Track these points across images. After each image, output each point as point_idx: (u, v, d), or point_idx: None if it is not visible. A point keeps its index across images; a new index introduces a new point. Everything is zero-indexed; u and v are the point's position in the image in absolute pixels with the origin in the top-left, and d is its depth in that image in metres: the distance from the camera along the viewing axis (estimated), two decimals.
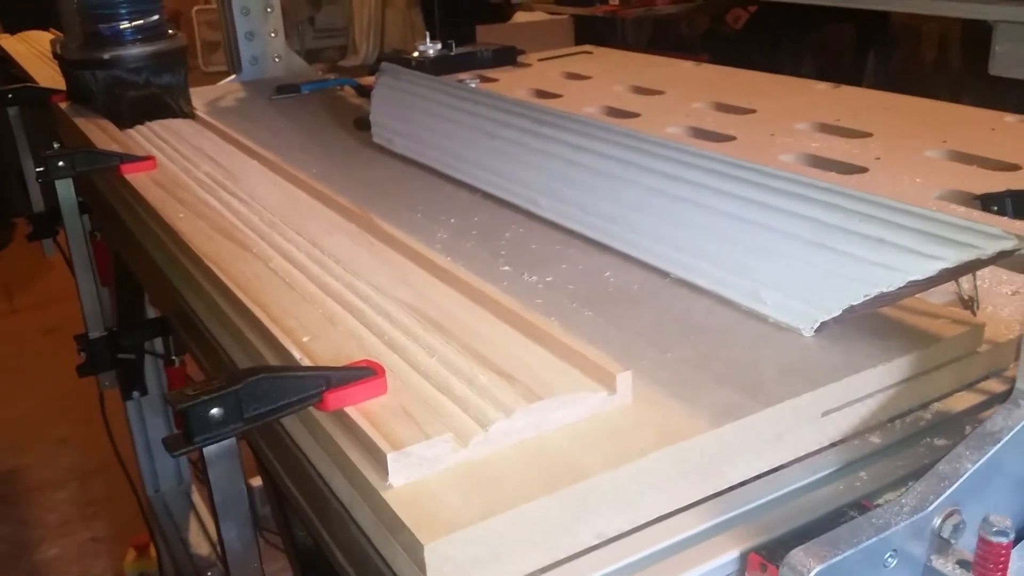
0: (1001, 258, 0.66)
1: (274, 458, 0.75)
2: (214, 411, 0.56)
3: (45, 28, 2.82)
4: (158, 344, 1.69)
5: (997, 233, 0.66)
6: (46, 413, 3.16)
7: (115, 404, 1.92)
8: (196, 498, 2.10)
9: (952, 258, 0.65)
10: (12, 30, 2.85)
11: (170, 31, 1.52)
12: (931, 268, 0.65)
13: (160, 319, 1.54)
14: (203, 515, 2.04)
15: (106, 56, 1.45)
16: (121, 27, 1.45)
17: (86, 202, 1.50)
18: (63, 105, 1.58)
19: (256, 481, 1.35)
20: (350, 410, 0.60)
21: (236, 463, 0.63)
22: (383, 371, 0.63)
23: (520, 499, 0.54)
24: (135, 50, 1.46)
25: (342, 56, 7.07)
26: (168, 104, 1.49)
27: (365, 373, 0.62)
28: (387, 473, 0.55)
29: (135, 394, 1.89)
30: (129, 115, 1.44)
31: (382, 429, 0.58)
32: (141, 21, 1.47)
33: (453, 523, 0.52)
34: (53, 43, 1.64)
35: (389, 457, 0.55)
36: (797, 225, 0.74)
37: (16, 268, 4.16)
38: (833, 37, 4.59)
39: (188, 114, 1.51)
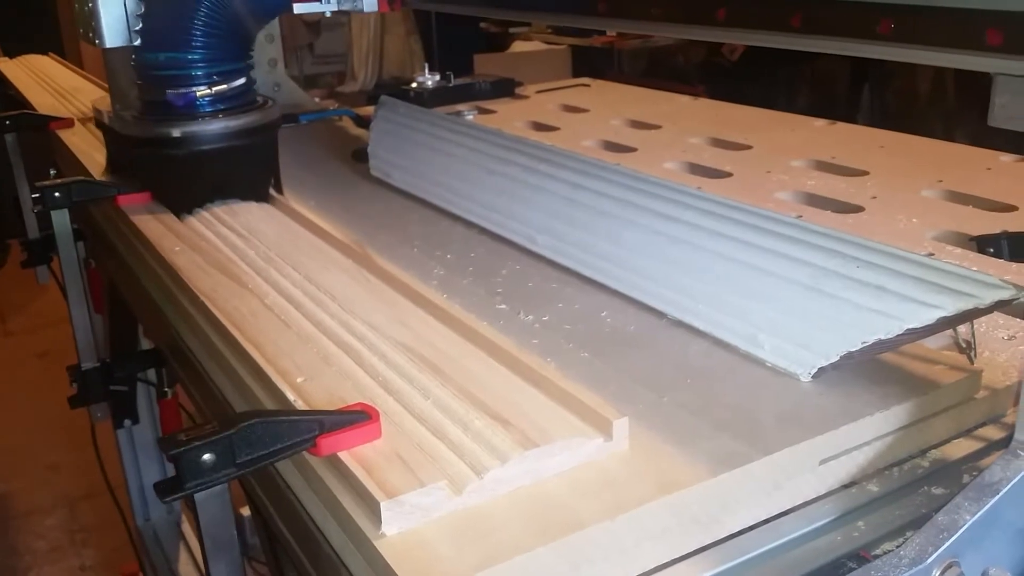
0: (999, 307, 0.66)
1: (266, 499, 0.74)
2: (206, 457, 0.55)
3: (44, 52, 2.83)
4: (151, 373, 1.68)
5: (996, 283, 0.66)
6: (36, 438, 3.14)
7: (106, 431, 1.91)
8: (186, 528, 2.08)
9: (950, 307, 0.65)
10: (11, 54, 2.86)
11: (259, 97, 1.21)
12: (929, 316, 0.65)
13: (153, 351, 1.53)
14: (193, 546, 2.02)
15: (176, 134, 1.12)
16: (198, 94, 1.12)
17: (81, 229, 1.50)
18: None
19: (246, 511, 1.33)
20: (344, 455, 0.60)
21: (227, 507, 0.62)
22: (377, 415, 0.62)
23: (515, 550, 0.53)
24: (216, 125, 1.12)
25: (341, 82, 7.10)
26: (249, 191, 1.17)
27: (359, 417, 0.61)
28: (380, 521, 0.55)
29: (126, 423, 1.87)
30: (196, 202, 1.14)
31: (376, 476, 0.57)
32: (224, 86, 1.14)
33: (447, 575, 0.51)
34: (98, 111, 1.29)
35: (383, 506, 0.54)
36: (796, 270, 0.74)
37: (10, 291, 4.15)
38: (829, 69, 4.63)
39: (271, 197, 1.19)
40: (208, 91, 1.12)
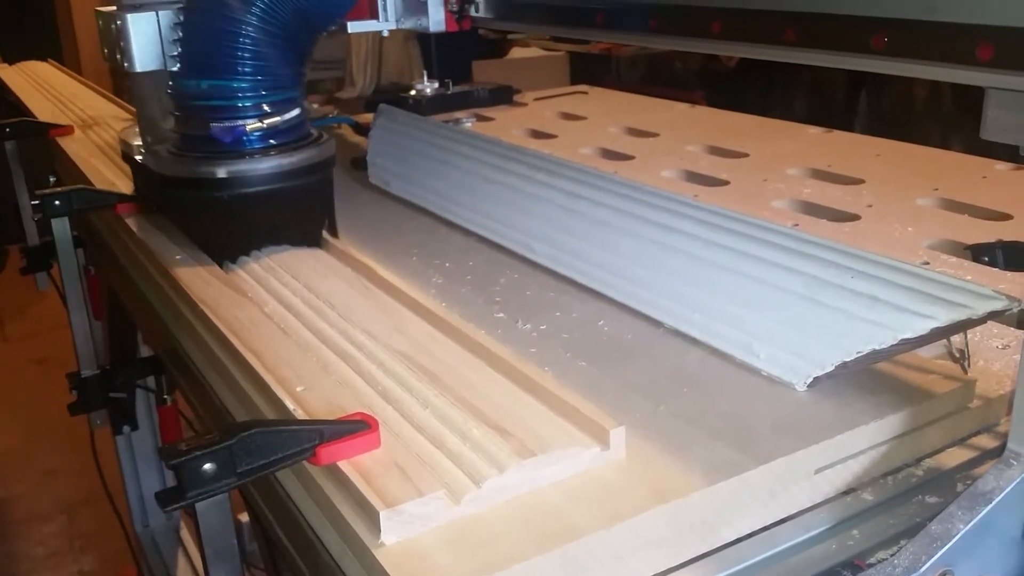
0: (992, 318, 0.67)
1: (266, 507, 0.74)
2: (207, 466, 0.56)
3: (44, 59, 2.84)
4: (150, 380, 1.69)
5: (989, 293, 0.66)
6: (35, 444, 3.14)
7: (104, 437, 1.91)
8: (185, 535, 2.09)
9: (944, 317, 0.65)
10: (11, 61, 2.87)
11: (312, 131, 1.06)
12: (923, 327, 0.65)
13: (153, 358, 1.53)
14: (192, 553, 2.02)
15: (222, 174, 0.97)
16: (248, 128, 0.97)
17: (81, 236, 1.50)
18: (130, 221, 1.16)
19: (245, 518, 1.34)
20: (343, 465, 0.60)
21: (228, 516, 0.62)
22: (376, 424, 0.63)
23: (513, 558, 0.53)
24: (268, 164, 0.97)
25: (339, 88, 7.10)
26: (301, 236, 1.02)
27: (359, 427, 0.62)
28: (380, 531, 0.55)
29: (126, 429, 1.88)
30: (242, 249, 1.00)
31: (375, 485, 0.58)
32: (277, 119, 0.98)
33: None
34: (126, 143, 1.15)
35: (382, 515, 0.55)
36: (791, 280, 0.75)
37: (8, 297, 4.15)
38: (826, 76, 4.64)
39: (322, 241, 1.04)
40: (259, 124, 0.97)
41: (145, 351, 1.68)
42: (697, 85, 4.69)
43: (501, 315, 0.88)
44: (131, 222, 1.14)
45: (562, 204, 0.99)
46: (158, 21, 1.05)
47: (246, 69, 0.95)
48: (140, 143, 1.13)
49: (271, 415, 0.71)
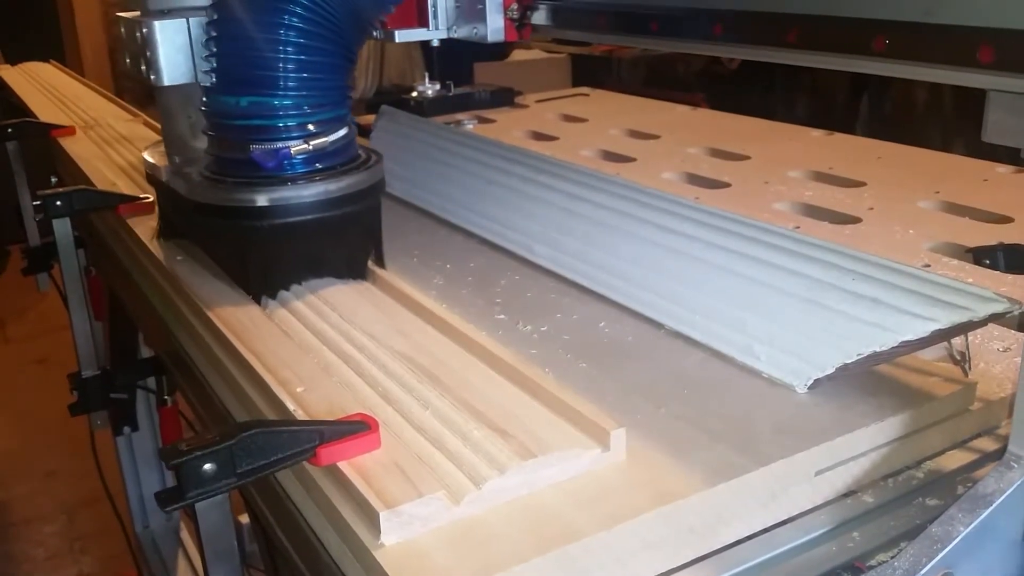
0: (993, 320, 0.66)
1: (265, 507, 0.74)
2: (207, 466, 0.56)
3: (46, 60, 2.84)
4: (151, 381, 1.69)
5: (990, 296, 0.66)
6: (35, 445, 3.14)
7: (104, 438, 1.91)
8: (185, 535, 2.09)
9: (945, 320, 0.65)
10: (13, 61, 2.87)
11: (360, 152, 0.96)
12: (924, 329, 0.65)
13: (153, 358, 1.53)
14: (192, 554, 2.02)
15: (263, 202, 0.86)
16: (293, 150, 0.87)
17: (82, 236, 1.50)
18: (154, 245, 1.08)
19: (244, 519, 1.34)
20: (343, 465, 0.60)
21: (228, 516, 0.62)
22: (377, 425, 0.63)
23: (512, 560, 0.53)
24: (314, 190, 0.87)
25: None
26: (347, 268, 0.93)
27: (359, 428, 0.62)
28: (379, 531, 0.55)
29: (126, 430, 1.88)
30: (281, 283, 0.90)
31: (375, 486, 0.58)
32: (325, 139, 0.88)
33: None
34: (151, 164, 1.04)
35: (382, 516, 0.55)
36: (792, 282, 0.75)
37: (9, 297, 4.15)
38: (828, 78, 4.64)
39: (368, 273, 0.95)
40: (305, 147, 0.87)
41: (146, 352, 1.68)
42: (698, 87, 4.69)
43: (502, 316, 0.88)
44: (156, 248, 1.06)
45: (563, 206, 0.99)
46: (188, 29, 0.93)
47: (290, 83, 0.86)
48: (167, 163, 1.02)
49: (271, 416, 0.71)
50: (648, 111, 1.90)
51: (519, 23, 1.04)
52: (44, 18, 5.74)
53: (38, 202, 1.25)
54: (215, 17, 0.88)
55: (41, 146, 1.77)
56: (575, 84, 2.35)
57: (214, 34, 0.88)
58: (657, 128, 1.69)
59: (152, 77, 0.94)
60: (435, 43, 1.11)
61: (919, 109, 4.60)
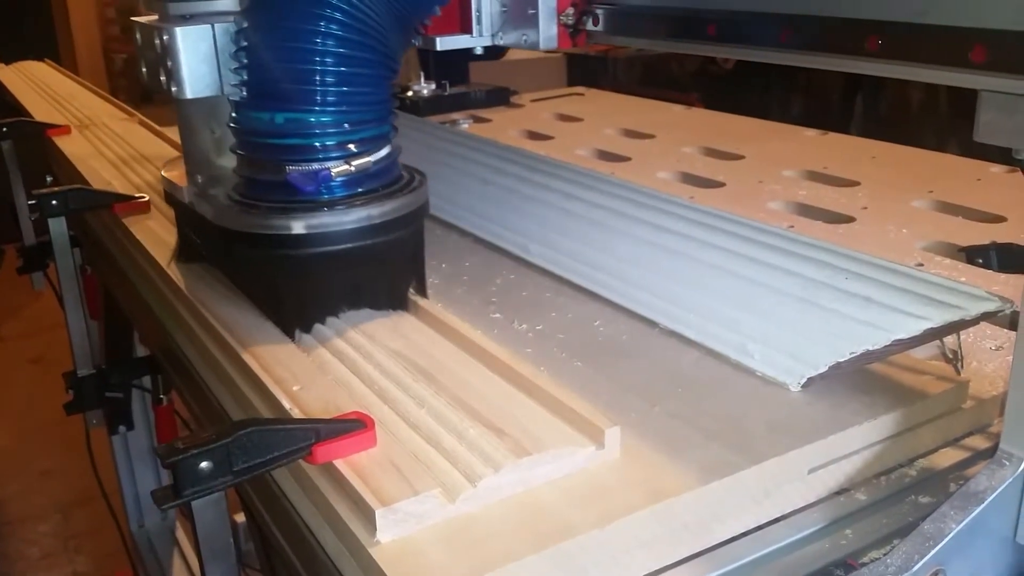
0: (986, 319, 0.67)
1: (261, 506, 0.75)
2: (203, 464, 0.56)
3: (41, 59, 2.83)
4: (146, 380, 1.69)
5: (982, 295, 0.67)
6: (29, 443, 3.14)
7: (99, 436, 1.91)
8: (180, 534, 2.09)
9: (937, 319, 0.66)
10: (7, 60, 2.86)
11: (403, 172, 0.89)
12: (916, 328, 0.66)
13: (149, 357, 1.53)
14: (187, 552, 2.02)
15: (300, 229, 0.78)
16: (334, 172, 0.79)
17: (77, 235, 1.50)
18: (172, 269, 0.99)
19: (240, 517, 1.34)
20: (339, 464, 0.60)
21: (224, 515, 0.63)
22: (372, 423, 0.63)
23: (507, 557, 0.54)
24: (356, 216, 0.79)
25: None
26: (387, 298, 0.85)
27: (355, 426, 0.62)
28: (375, 529, 0.55)
29: (121, 429, 1.88)
30: (317, 316, 0.83)
31: (371, 484, 0.58)
32: (368, 159, 0.80)
33: None
34: (170, 182, 0.96)
35: (378, 513, 0.55)
36: (786, 281, 0.75)
37: (5, 296, 4.14)
38: (822, 78, 4.65)
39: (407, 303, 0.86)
40: (346, 168, 0.79)
41: (141, 351, 1.69)
42: (693, 87, 4.70)
43: (497, 315, 0.89)
44: (175, 273, 0.97)
45: (558, 205, 1.00)
46: (213, 36, 0.85)
47: (330, 97, 0.78)
48: (189, 183, 0.93)
49: (267, 414, 0.71)
50: (643, 110, 1.91)
51: (574, 30, 0.94)
52: (39, 17, 5.73)
53: (33, 201, 1.25)
54: (245, 25, 0.81)
55: (36, 145, 1.77)
56: (570, 83, 2.35)
57: (245, 43, 0.81)
58: (652, 128, 1.69)
59: (173, 89, 0.86)
60: (478, 51, 1.01)
61: (913, 109, 4.61)
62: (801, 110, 4.56)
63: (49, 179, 1.77)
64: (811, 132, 1.63)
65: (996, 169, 1.34)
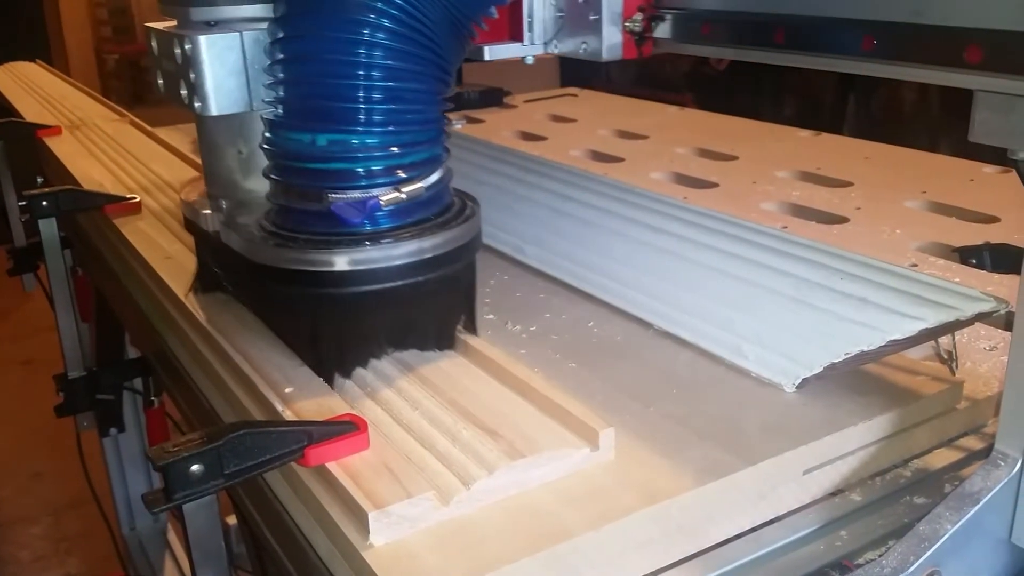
0: (980, 319, 0.67)
1: (254, 509, 0.74)
2: (195, 468, 0.55)
3: (31, 59, 2.82)
4: (137, 382, 1.68)
5: (976, 295, 0.67)
6: (20, 447, 3.12)
7: (90, 439, 1.90)
8: (172, 537, 2.07)
9: (932, 319, 0.66)
10: None
11: (454, 199, 0.79)
12: (911, 328, 0.66)
13: (140, 359, 1.52)
14: (179, 555, 2.01)
15: (343, 265, 0.70)
16: (383, 201, 0.70)
17: (68, 237, 1.50)
18: (190, 300, 0.90)
19: (232, 520, 1.33)
20: (332, 466, 0.60)
21: (215, 518, 0.62)
22: (365, 425, 0.63)
23: (501, 560, 0.53)
24: (405, 250, 0.71)
25: None
26: (434, 338, 0.76)
27: (347, 428, 0.61)
28: (368, 532, 0.55)
29: (112, 431, 1.87)
30: (358, 359, 0.74)
31: (364, 486, 0.58)
32: (419, 185, 0.71)
33: None
34: (192, 208, 0.85)
35: (371, 516, 0.55)
36: (780, 281, 0.75)
37: None
38: (815, 78, 4.66)
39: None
40: (397, 196, 0.70)
41: (132, 353, 1.68)
42: (687, 88, 4.71)
43: (491, 316, 0.88)
44: (193, 304, 0.89)
45: (552, 206, 0.99)
46: (242, 44, 0.76)
47: (376, 116, 0.69)
48: (214, 209, 0.83)
49: (259, 416, 0.71)
50: (636, 111, 1.91)
51: (640, 38, 0.86)
52: (30, 18, 5.71)
53: (24, 202, 1.24)
54: (280, 35, 0.72)
55: (27, 146, 1.76)
56: (563, 84, 2.35)
57: (281, 56, 0.72)
58: (645, 128, 1.69)
59: (197, 105, 0.76)
60: (529, 60, 0.93)
61: (906, 110, 4.63)
62: (794, 111, 4.57)
63: (40, 180, 1.76)
64: (804, 133, 1.63)
65: (989, 170, 1.35)
